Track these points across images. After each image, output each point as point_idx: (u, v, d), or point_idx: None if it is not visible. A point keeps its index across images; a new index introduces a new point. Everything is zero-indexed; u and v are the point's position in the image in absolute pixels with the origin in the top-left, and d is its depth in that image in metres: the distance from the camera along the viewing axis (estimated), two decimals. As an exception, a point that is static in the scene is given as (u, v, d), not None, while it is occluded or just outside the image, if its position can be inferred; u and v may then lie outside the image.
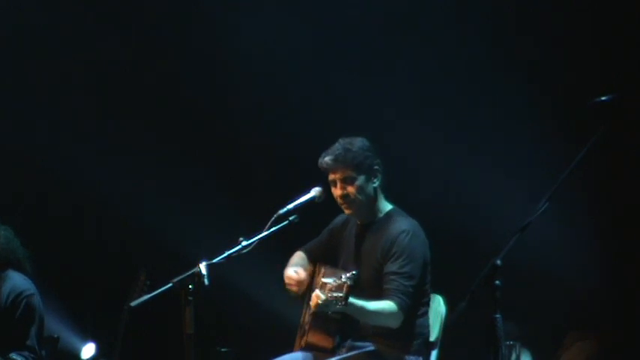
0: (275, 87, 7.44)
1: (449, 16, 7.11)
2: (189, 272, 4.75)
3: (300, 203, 5.24)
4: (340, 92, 7.27)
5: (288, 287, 5.56)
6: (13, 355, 5.61)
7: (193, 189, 7.75)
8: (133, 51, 7.69)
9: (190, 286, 4.72)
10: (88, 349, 7.40)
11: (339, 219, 5.69)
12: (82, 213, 7.98)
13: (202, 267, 4.74)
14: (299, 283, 5.52)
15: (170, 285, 4.75)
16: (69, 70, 7.72)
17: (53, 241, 7.48)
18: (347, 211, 5.50)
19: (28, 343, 5.68)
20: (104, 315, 7.26)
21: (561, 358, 6.45)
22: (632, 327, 6.59)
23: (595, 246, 6.66)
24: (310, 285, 5.52)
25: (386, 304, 5.20)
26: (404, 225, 5.40)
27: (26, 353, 5.66)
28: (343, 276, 4.93)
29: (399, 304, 5.20)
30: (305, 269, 5.63)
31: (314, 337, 5.41)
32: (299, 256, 5.71)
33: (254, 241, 4.98)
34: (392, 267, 5.29)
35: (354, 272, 4.95)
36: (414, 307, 5.31)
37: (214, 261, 4.83)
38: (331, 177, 5.44)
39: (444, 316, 5.52)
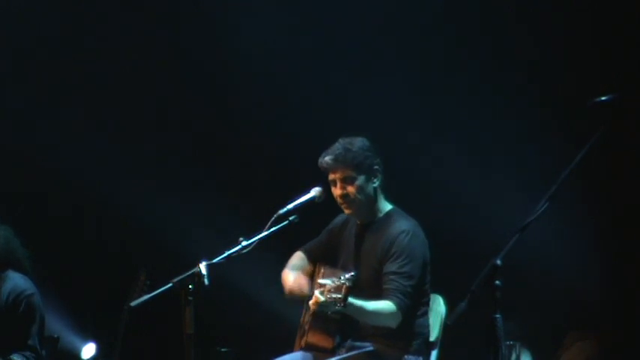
0: (275, 87, 7.43)
1: (449, 16, 7.11)
2: (189, 272, 4.75)
3: (300, 203, 5.24)
4: (340, 92, 7.27)
5: (290, 296, 5.55)
6: (14, 357, 5.61)
7: (193, 189, 7.75)
8: (132, 51, 7.68)
9: (190, 286, 4.72)
10: (88, 349, 7.40)
11: (338, 219, 5.69)
12: (82, 213, 7.98)
13: (202, 267, 4.75)
14: (301, 289, 5.51)
15: (170, 285, 4.76)
16: (69, 70, 7.71)
17: (53, 241, 7.48)
18: (347, 211, 5.50)
19: (30, 342, 5.69)
20: (104, 315, 7.25)
21: (561, 358, 6.45)
22: (632, 327, 6.59)
23: (595, 246, 6.66)
24: (311, 285, 5.52)
25: (385, 304, 5.20)
26: (404, 225, 5.40)
27: (28, 353, 5.67)
28: (342, 277, 4.93)
29: (397, 304, 5.20)
30: (304, 270, 5.64)
31: (314, 338, 5.41)
32: (298, 257, 5.71)
33: (254, 241, 4.98)
34: (391, 267, 5.29)
35: (352, 273, 4.95)
36: (413, 307, 5.31)
37: (214, 261, 4.83)
38: (331, 177, 5.44)
39: (444, 316, 5.52)
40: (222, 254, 4.89)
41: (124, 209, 7.64)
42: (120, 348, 6.56)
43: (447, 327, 5.45)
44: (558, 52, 6.83)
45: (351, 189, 5.40)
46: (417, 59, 7.15)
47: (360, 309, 5.11)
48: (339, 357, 5.34)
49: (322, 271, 5.50)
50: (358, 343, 5.38)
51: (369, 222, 5.51)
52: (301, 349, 5.48)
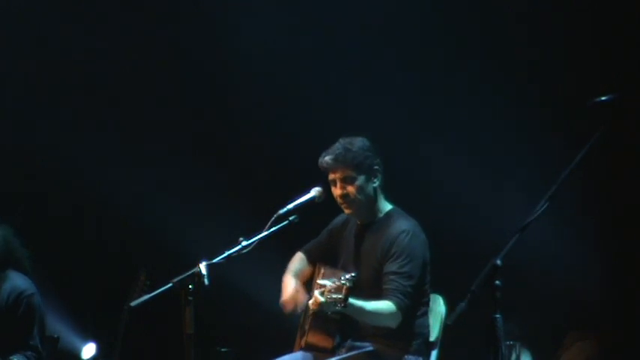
0: (275, 87, 7.43)
1: (449, 16, 7.11)
2: (189, 272, 4.75)
3: (300, 203, 5.24)
4: (340, 92, 7.27)
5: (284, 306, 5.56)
6: (14, 358, 5.61)
7: (193, 189, 7.75)
8: (132, 51, 7.68)
9: (190, 286, 4.72)
10: (89, 349, 7.40)
11: (338, 219, 5.69)
12: (82, 213, 7.98)
13: (202, 267, 4.74)
14: (296, 306, 5.52)
15: (170, 285, 4.75)
16: (69, 70, 7.71)
17: (53, 241, 7.48)
18: (347, 211, 5.50)
19: (31, 342, 5.69)
20: (104, 315, 7.25)
21: (561, 358, 6.45)
22: (632, 327, 6.59)
23: (595, 246, 6.66)
24: (311, 286, 5.52)
25: (385, 305, 5.20)
26: (404, 225, 5.40)
27: (29, 353, 5.67)
28: (342, 277, 4.93)
29: (397, 304, 5.20)
30: (304, 272, 5.64)
31: (314, 338, 5.41)
32: (299, 259, 5.72)
33: (254, 241, 4.98)
34: (391, 267, 5.29)
35: (353, 274, 4.95)
36: (413, 307, 5.31)
37: (214, 261, 4.83)
38: (331, 177, 5.44)
39: (444, 316, 5.51)
40: (222, 254, 4.89)
41: (124, 209, 7.64)
42: (120, 348, 6.56)
43: (447, 327, 5.45)
44: (558, 52, 6.83)
45: (351, 189, 5.40)
46: (417, 59, 7.15)
47: (361, 309, 5.11)
48: (339, 357, 5.34)
49: (322, 271, 5.50)
50: (358, 343, 5.38)
51: (369, 222, 5.51)
52: (301, 349, 5.48)
